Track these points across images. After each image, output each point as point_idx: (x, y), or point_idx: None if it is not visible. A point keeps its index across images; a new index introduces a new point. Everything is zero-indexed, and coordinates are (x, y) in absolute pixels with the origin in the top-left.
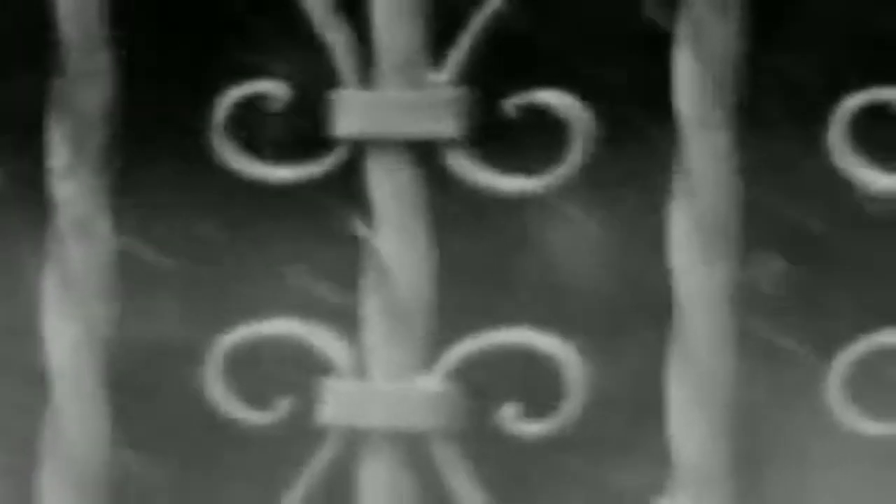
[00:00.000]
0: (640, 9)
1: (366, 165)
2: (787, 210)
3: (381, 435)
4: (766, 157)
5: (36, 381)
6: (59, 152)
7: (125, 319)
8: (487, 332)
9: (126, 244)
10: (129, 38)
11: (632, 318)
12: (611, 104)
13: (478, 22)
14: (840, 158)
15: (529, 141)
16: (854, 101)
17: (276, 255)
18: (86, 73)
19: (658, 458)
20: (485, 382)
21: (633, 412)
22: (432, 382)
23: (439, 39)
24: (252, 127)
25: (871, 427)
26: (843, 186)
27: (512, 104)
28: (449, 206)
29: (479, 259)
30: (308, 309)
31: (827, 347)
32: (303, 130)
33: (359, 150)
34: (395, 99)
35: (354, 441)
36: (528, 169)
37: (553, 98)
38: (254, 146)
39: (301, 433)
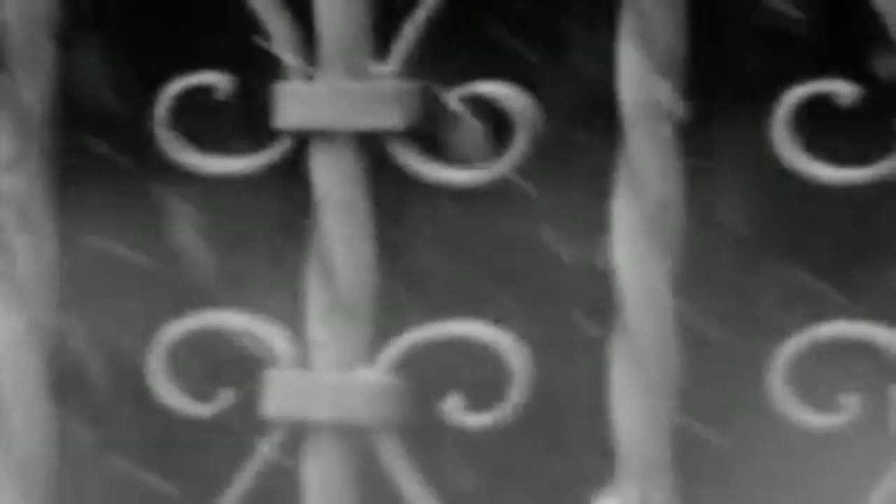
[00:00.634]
0: None
1: (310, 157)
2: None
3: (324, 427)
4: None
5: None
6: (3, 144)
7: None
8: (431, 324)
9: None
10: (74, 32)
11: (574, 310)
12: (555, 95)
13: (422, 12)
14: (783, 151)
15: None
16: (796, 94)
17: (221, 245)
18: (29, 66)
19: (601, 448)
20: (429, 375)
21: (576, 405)
22: (375, 374)
23: (383, 31)
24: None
25: (814, 419)
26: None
27: (456, 95)
28: (392, 197)
29: (423, 251)
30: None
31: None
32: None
33: (303, 141)
34: (338, 90)
35: (297, 433)
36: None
37: (496, 89)
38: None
39: (244, 425)
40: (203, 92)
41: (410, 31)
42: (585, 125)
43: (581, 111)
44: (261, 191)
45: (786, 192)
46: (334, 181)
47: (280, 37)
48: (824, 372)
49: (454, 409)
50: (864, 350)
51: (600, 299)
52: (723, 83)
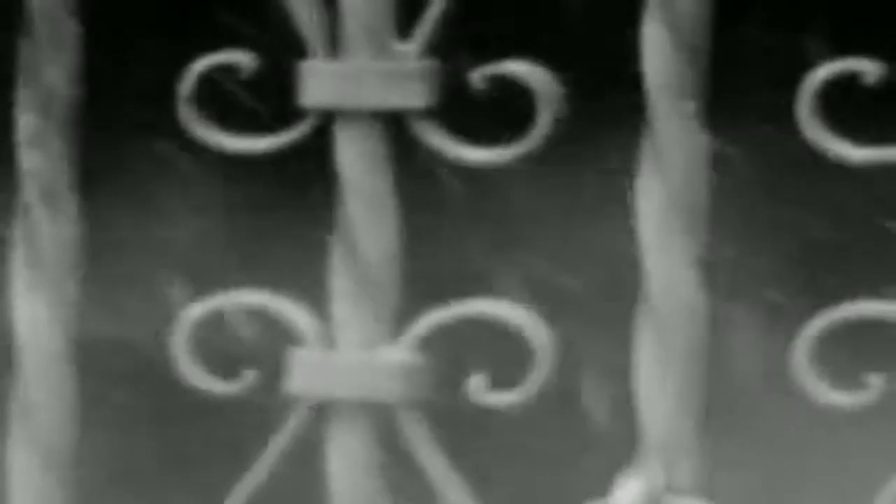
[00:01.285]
0: None
1: (333, 136)
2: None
3: (348, 405)
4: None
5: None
6: (27, 122)
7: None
8: (455, 303)
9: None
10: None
11: (598, 291)
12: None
13: None
14: (810, 131)
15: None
16: (822, 73)
17: (249, 227)
18: (53, 43)
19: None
20: (454, 354)
21: (603, 384)
22: (400, 353)
23: (407, 10)
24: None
25: (839, 398)
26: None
27: (479, 75)
28: (416, 176)
29: (446, 230)
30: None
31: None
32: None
33: (327, 120)
34: (362, 69)
35: (322, 412)
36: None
37: (520, 68)
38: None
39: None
40: (228, 70)
41: (434, 10)
42: (609, 103)
43: (605, 89)
44: (285, 170)
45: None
46: (358, 160)
47: (305, 15)
48: (840, 352)
49: (478, 388)
50: (878, 330)
51: (626, 278)
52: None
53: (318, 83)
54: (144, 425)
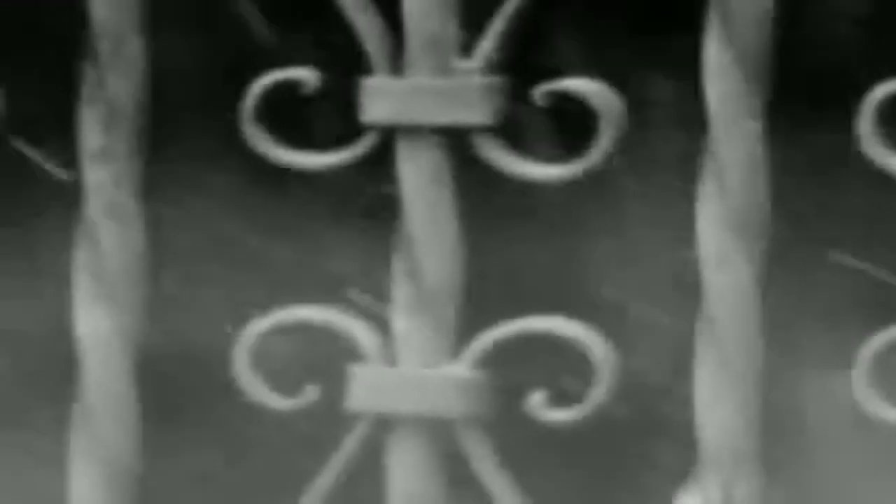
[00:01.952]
0: None
1: (396, 152)
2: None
3: (409, 421)
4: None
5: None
6: (91, 137)
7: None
8: (516, 320)
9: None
10: (162, 25)
11: (655, 306)
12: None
13: (508, 9)
14: (870, 148)
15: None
16: (882, 90)
17: (307, 243)
18: (118, 59)
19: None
20: (514, 370)
21: (658, 399)
22: (460, 369)
23: (470, 27)
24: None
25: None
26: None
27: (541, 92)
28: (478, 192)
29: (508, 246)
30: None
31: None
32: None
33: (390, 136)
34: (424, 86)
35: (383, 427)
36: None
37: (582, 85)
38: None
39: (330, 420)
40: (291, 87)
41: (496, 27)
42: (671, 120)
43: (667, 105)
44: (347, 186)
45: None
46: (420, 176)
47: (369, 32)
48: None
49: (538, 405)
50: None
51: (689, 294)
52: (807, 77)
53: (381, 100)
54: (210, 439)
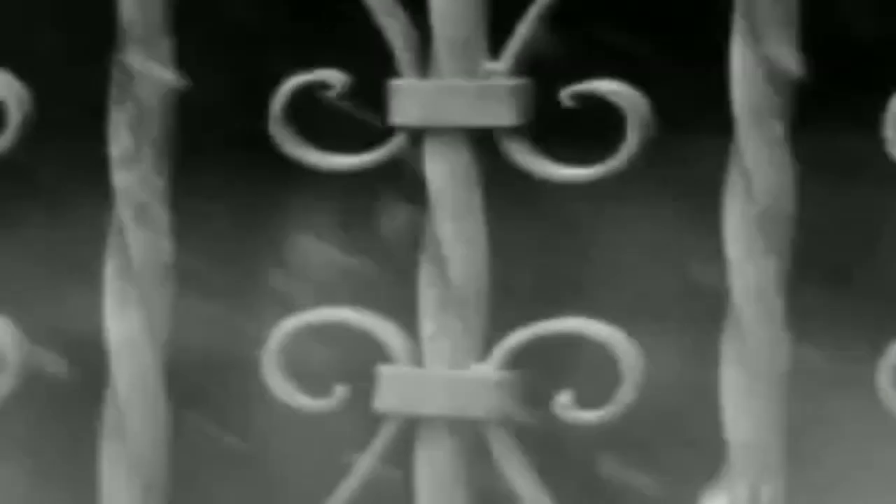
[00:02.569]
0: None
1: (423, 154)
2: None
3: (437, 422)
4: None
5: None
6: (120, 141)
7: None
8: (543, 321)
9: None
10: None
11: (684, 307)
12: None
13: (535, 11)
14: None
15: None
16: None
17: (333, 243)
18: (145, 62)
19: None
20: (541, 371)
21: (684, 400)
22: (489, 370)
23: (497, 28)
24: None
25: None
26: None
27: (569, 93)
28: (505, 193)
29: (534, 247)
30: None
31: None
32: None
33: (417, 138)
34: (452, 88)
35: (411, 428)
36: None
37: (610, 87)
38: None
39: (358, 420)
40: (318, 89)
41: (523, 28)
42: (697, 123)
43: (692, 110)
44: (374, 186)
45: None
46: (447, 178)
47: (397, 34)
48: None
49: (565, 406)
50: None
51: (712, 297)
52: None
53: (409, 101)
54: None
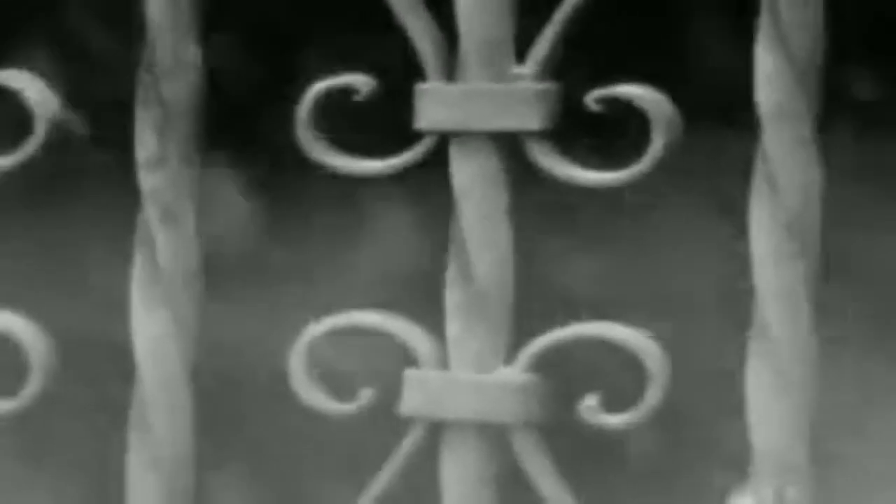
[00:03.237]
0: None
1: (450, 157)
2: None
3: (463, 426)
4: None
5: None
6: (147, 143)
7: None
8: (569, 324)
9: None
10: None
11: (708, 308)
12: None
13: (561, 15)
14: None
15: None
16: None
17: (356, 246)
18: (174, 64)
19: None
20: (567, 375)
21: (712, 403)
22: (514, 374)
23: (523, 33)
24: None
25: None
26: None
27: (594, 98)
28: (532, 197)
29: (553, 252)
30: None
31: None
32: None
33: (444, 142)
34: (479, 92)
35: (437, 432)
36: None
37: (634, 91)
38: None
39: (384, 424)
40: (344, 93)
41: (549, 33)
42: (723, 126)
43: (719, 112)
44: (401, 190)
45: None
46: (474, 181)
47: (423, 38)
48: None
49: (591, 409)
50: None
51: (741, 300)
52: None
53: (435, 105)
54: (254, 442)
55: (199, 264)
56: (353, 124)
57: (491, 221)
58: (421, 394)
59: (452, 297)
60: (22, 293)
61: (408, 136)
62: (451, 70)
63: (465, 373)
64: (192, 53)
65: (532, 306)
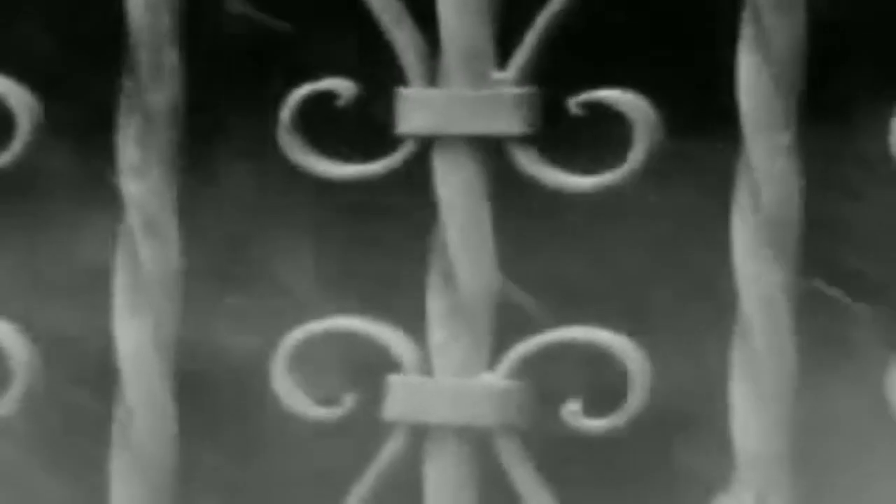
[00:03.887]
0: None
1: (431, 163)
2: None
3: (445, 431)
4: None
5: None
6: (128, 150)
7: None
8: (551, 330)
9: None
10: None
11: (692, 316)
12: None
13: (543, 20)
14: None
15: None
16: None
17: (341, 252)
18: (153, 72)
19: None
20: (549, 380)
21: (694, 410)
22: (496, 379)
23: (505, 38)
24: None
25: None
26: None
27: (576, 102)
28: (514, 202)
29: (540, 256)
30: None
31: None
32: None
33: (425, 147)
34: (460, 97)
35: (420, 437)
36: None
37: (616, 95)
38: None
39: (367, 429)
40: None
41: (531, 38)
42: (705, 133)
43: (700, 119)
44: (384, 194)
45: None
46: (455, 186)
47: (405, 43)
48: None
49: (573, 414)
50: None
51: (720, 305)
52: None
53: (417, 110)
54: (236, 447)
55: (180, 272)
56: (333, 128)
57: (474, 226)
58: (404, 399)
59: (435, 302)
60: (2, 297)
61: (384, 141)
62: (432, 75)
63: (448, 378)
64: (174, 63)
65: (516, 311)
